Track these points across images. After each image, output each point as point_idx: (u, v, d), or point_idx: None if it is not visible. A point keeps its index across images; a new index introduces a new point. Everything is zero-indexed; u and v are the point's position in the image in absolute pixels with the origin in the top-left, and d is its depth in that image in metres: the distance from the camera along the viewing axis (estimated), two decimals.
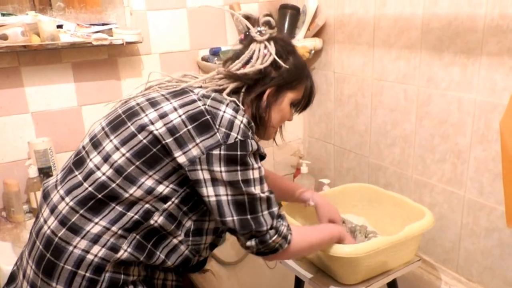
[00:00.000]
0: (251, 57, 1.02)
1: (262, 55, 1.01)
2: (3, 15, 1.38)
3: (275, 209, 0.95)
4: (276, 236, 0.93)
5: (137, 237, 0.89)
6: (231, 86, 0.99)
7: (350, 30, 1.65)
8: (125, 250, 0.87)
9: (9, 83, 1.44)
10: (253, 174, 0.91)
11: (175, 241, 0.93)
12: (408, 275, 1.35)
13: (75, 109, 1.57)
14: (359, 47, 1.63)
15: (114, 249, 0.87)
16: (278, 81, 1.02)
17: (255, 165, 0.92)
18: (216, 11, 1.72)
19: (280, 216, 0.96)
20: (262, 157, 0.97)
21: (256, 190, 0.92)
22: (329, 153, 1.89)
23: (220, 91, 0.99)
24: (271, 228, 0.93)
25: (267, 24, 1.03)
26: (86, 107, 1.58)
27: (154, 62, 1.66)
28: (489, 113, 1.23)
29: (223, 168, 0.88)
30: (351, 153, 1.78)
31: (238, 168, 0.89)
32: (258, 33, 1.03)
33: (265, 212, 0.93)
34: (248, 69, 1.00)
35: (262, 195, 0.92)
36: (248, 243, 0.94)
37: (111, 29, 1.51)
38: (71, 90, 1.54)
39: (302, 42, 1.73)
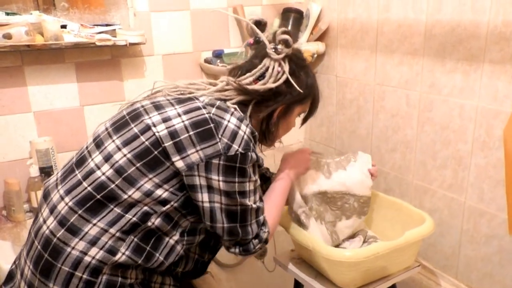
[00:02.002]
0: (263, 74, 1.00)
1: (276, 73, 1.00)
2: (7, 14, 1.39)
3: (261, 217, 0.98)
4: (259, 245, 0.98)
5: (135, 239, 0.89)
6: (238, 98, 0.99)
7: (353, 34, 1.65)
8: (123, 253, 0.87)
9: (12, 82, 1.45)
10: (249, 186, 0.93)
11: (171, 241, 0.94)
12: (408, 281, 1.35)
13: (77, 109, 1.57)
14: (361, 51, 1.63)
15: (112, 251, 0.87)
16: (290, 99, 1.03)
17: (253, 177, 0.94)
18: (219, 13, 1.73)
19: (264, 224, 0.99)
20: (258, 165, 0.99)
21: (249, 201, 0.94)
22: None
23: (225, 100, 0.99)
24: (255, 237, 0.97)
25: (285, 42, 1.00)
26: (88, 107, 1.58)
27: (156, 64, 1.66)
28: (491, 120, 1.23)
29: (221, 178, 0.89)
30: None
31: (236, 180, 0.90)
32: (273, 50, 1.00)
33: (253, 221, 0.96)
34: (259, 86, 0.99)
35: (253, 205, 0.95)
36: (232, 250, 0.98)
37: (114, 30, 1.51)
38: (73, 90, 1.55)
39: (305, 46, 1.73)
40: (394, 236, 1.17)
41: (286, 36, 1.00)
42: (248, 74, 1.01)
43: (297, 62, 1.04)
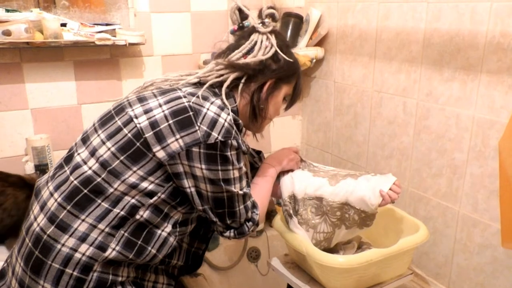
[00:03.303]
0: (252, 48, 1.02)
1: (264, 46, 1.02)
2: (8, 11, 1.39)
3: (248, 202, 1.00)
4: (253, 226, 1.01)
5: (126, 234, 0.89)
6: (232, 76, 1.00)
7: (352, 41, 1.66)
8: (113, 249, 0.87)
9: (10, 79, 1.44)
10: (233, 174, 0.94)
11: (164, 234, 0.94)
12: None
13: (75, 108, 1.57)
14: (360, 58, 1.64)
15: (102, 248, 0.87)
16: (278, 73, 1.04)
17: (236, 165, 0.94)
18: (219, 15, 1.73)
19: (254, 206, 1.02)
20: (243, 152, 0.99)
21: (235, 188, 0.95)
22: (327, 162, 1.89)
23: (219, 85, 0.99)
24: (247, 220, 1.00)
25: (271, 16, 1.04)
26: (85, 106, 1.58)
27: (155, 64, 1.66)
28: (487, 130, 1.24)
29: (204, 166, 0.89)
30: (348, 163, 1.78)
31: (219, 167, 0.91)
32: (261, 24, 1.03)
33: (241, 207, 0.98)
34: (250, 59, 1.00)
35: (240, 192, 0.96)
36: (226, 234, 1.00)
37: (114, 29, 1.51)
38: (71, 88, 1.54)
39: (304, 51, 1.73)
40: (388, 243, 1.17)
41: (272, 10, 1.04)
42: (236, 51, 1.03)
43: (282, 39, 1.06)
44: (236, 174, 0.94)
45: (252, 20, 1.06)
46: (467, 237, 1.34)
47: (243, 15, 1.10)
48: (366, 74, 1.62)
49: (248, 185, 1.01)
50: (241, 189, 0.97)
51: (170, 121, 0.89)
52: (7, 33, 1.31)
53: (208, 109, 0.91)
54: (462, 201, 1.34)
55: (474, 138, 1.27)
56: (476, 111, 1.26)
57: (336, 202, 1.14)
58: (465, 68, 1.27)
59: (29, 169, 1.45)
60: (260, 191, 1.09)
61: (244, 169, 0.98)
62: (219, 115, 0.91)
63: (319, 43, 1.79)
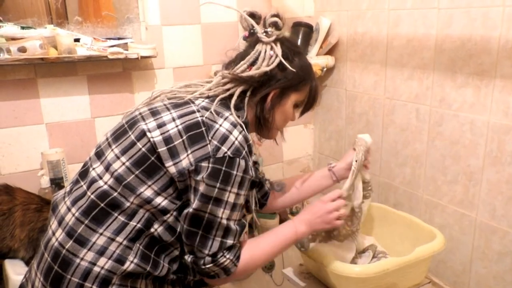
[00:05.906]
0: (256, 59, 1.00)
1: (268, 57, 1.00)
2: (23, 28, 1.41)
3: (229, 241, 0.92)
4: (211, 265, 0.91)
5: (141, 247, 0.89)
6: (239, 90, 0.99)
7: (363, 48, 1.66)
8: (131, 262, 0.88)
9: (25, 94, 1.47)
10: (229, 197, 0.89)
11: (176, 252, 0.94)
12: None
13: (89, 121, 1.59)
14: (371, 65, 1.63)
15: (120, 260, 0.87)
16: (283, 83, 1.01)
17: (235, 189, 0.89)
18: (229, 27, 1.74)
19: (229, 250, 0.92)
20: (253, 183, 0.94)
21: (220, 213, 0.89)
22: None
23: (229, 97, 0.99)
24: (211, 255, 0.91)
25: (274, 25, 1.01)
26: (99, 119, 1.60)
27: (167, 76, 1.68)
28: (503, 135, 1.22)
29: (205, 180, 0.87)
30: None
31: (217, 185, 0.88)
32: (264, 33, 1.01)
33: (217, 238, 0.90)
34: (253, 71, 0.99)
35: (223, 221, 0.90)
36: (186, 256, 0.93)
37: (126, 43, 1.53)
38: (85, 102, 1.57)
39: (315, 60, 1.74)
40: (404, 252, 1.15)
41: (275, 19, 1.01)
42: (241, 63, 1.01)
43: (290, 47, 1.03)
44: (231, 198, 0.90)
45: (258, 29, 1.04)
46: (485, 245, 1.32)
47: (254, 21, 1.09)
48: (378, 81, 1.62)
49: (240, 225, 0.94)
50: (227, 219, 0.90)
51: (184, 137, 0.89)
52: (22, 49, 1.34)
53: (220, 125, 0.91)
54: (479, 208, 1.32)
55: (490, 144, 1.26)
56: (491, 117, 1.25)
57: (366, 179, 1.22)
58: (478, 74, 1.26)
59: (44, 183, 1.47)
60: (262, 247, 0.99)
61: (241, 200, 0.92)
62: (230, 132, 0.90)
63: (330, 52, 1.79)
